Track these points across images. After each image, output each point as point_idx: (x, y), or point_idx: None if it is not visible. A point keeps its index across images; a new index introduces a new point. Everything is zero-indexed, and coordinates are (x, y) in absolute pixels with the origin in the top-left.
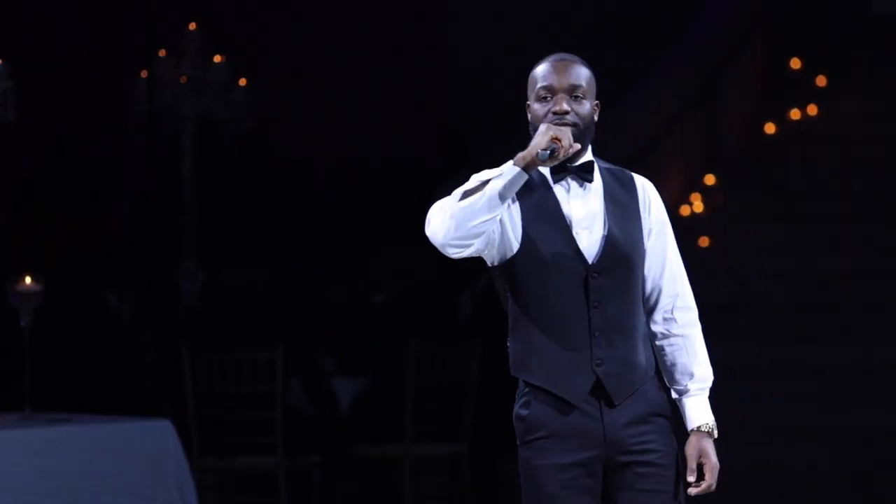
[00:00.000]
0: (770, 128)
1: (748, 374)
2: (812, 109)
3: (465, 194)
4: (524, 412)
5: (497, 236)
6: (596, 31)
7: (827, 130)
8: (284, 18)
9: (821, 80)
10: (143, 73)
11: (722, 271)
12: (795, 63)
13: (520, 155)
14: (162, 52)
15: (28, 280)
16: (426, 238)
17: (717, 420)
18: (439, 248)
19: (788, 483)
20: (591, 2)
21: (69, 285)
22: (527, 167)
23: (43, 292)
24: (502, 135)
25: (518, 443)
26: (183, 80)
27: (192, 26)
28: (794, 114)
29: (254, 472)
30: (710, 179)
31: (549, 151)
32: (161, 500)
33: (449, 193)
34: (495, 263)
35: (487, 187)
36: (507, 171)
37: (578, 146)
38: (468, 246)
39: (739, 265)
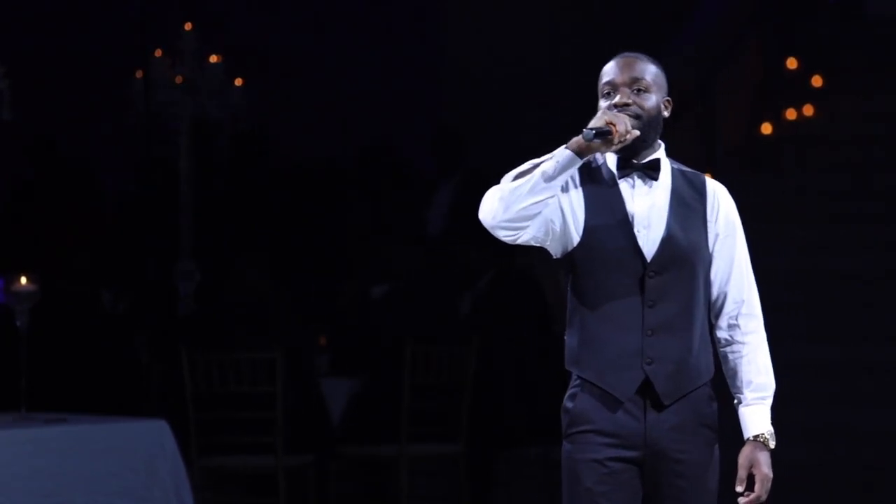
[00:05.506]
0: (767, 128)
1: None
2: (809, 109)
3: (517, 177)
4: (570, 405)
5: (559, 228)
6: (596, 31)
7: (824, 130)
8: (281, 18)
9: (817, 80)
10: (140, 74)
11: None
12: (792, 63)
13: (573, 139)
14: (158, 53)
15: (24, 280)
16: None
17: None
18: (491, 231)
19: (788, 483)
20: (591, 2)
21: (65, 285)
22: (580, 152)
23: (39, 292)
24: (500, 135)
25: (562, 436)
26: (179, 80)
27: (189, 26)
28: (791, 114)
29: (252, 473)
30: None
31: (593, 131)
32: (157, 501)
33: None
34: (558, 256)
35: (538, 169)
36: (558, 154)
37: (636, 133)
38: (519, 230)
39: None
